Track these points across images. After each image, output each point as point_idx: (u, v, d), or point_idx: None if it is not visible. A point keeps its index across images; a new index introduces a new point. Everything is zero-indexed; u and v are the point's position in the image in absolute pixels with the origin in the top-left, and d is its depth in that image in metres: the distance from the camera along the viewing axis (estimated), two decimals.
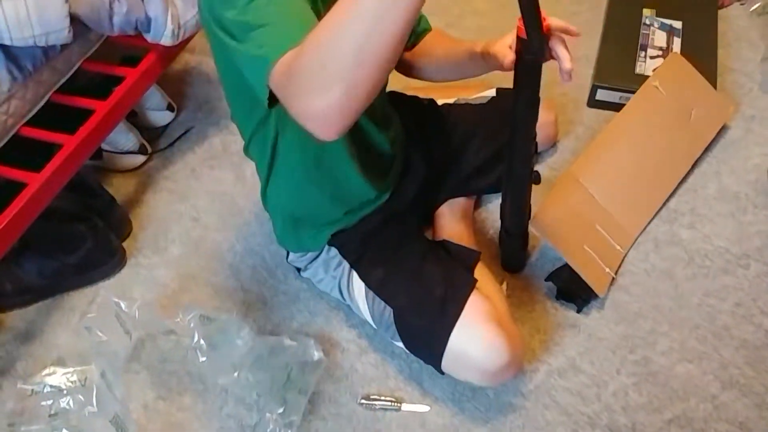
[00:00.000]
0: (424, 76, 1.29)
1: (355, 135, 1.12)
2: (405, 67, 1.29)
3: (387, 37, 0.62)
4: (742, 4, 1.92)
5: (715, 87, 1.61)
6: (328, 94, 0.65)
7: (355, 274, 1.22)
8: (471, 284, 1.16)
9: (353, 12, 0.62)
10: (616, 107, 1.59)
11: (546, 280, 1.34)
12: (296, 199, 1.20)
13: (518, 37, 0.93)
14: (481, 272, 1.23)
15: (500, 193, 1.25)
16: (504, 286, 1.35)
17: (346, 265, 1.23)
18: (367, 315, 1.22)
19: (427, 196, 1.39)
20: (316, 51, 0.65)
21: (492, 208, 1.50)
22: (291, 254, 1.31)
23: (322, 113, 0.67)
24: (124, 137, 1.55)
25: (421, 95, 1.48)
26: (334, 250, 1.24)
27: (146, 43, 1.38)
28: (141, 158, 1.61)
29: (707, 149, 1.56)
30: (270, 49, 0.76)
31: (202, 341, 1.18)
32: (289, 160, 1.13)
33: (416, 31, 1.25)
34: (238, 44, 0.82)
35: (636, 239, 1.42)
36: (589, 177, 1.42)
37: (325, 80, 0.65)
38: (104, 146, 1.55)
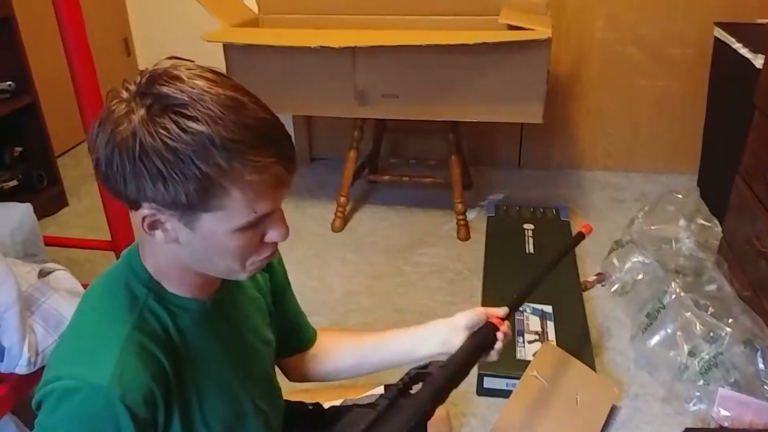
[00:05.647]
0: (329, 377, 1.21)
1: None
2: (299, 373, 1.19)
3: None
4: (603, 286, 2.08)
5: (594, 368, 1.65)
6: None
7: None
8: None
9: None
10: (505, 394, 1.59)
11: None
12: None
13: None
14: None
15: None
16: None
17: None
18: None
19: None
20: None
21: None
22: None
23: None
24: None
25: (306, 399, 1.41)
26: None
27: None
28: None
29: None
30: None
31: None
32: None
33: (303, 339, 1.17)
34: None
35: None
36: None
37: None
38: None
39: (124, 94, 0.74)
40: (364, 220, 2.53)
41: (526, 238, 2.23)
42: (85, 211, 2.59)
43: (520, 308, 1.86)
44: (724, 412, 1.54)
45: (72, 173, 2.83)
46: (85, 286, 1.44)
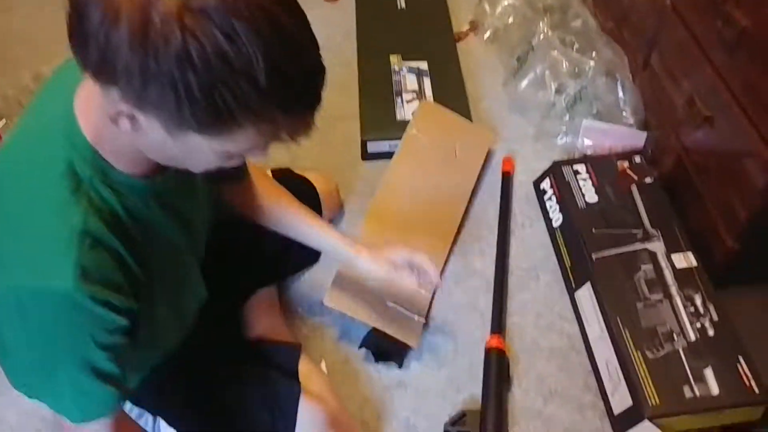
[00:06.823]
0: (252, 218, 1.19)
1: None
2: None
3: None
4: (476, 35, 2.08)
5: (470, 118, 1.72)
6: None
7: (163, 423, 1.11)
8: (296, 396, 1.09)
9: None
10: (389, 155, 1.64)
11: (359, 347, 1.33)
12: None
13: None
14: (303, 367, 1.18)
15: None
16: (323, 365, 1.32)
17: (149, 415, 1.11)
18: None
19: (230, 296, 1.31)
20: None
21: (295, 287, 1.46)
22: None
23: None
24: None
25: None
26: (128, 404, 1.09)
27: None
28: None
29: (481, 177, 1.65)
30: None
31: None
32: None
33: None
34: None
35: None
36: (378, 235, 1.44)
37: None
38: None
39: None
40: None
41: None
42: None
43: (396, 69, 1.86)
44: (587, 142, 1.67)
45: None
46: None
